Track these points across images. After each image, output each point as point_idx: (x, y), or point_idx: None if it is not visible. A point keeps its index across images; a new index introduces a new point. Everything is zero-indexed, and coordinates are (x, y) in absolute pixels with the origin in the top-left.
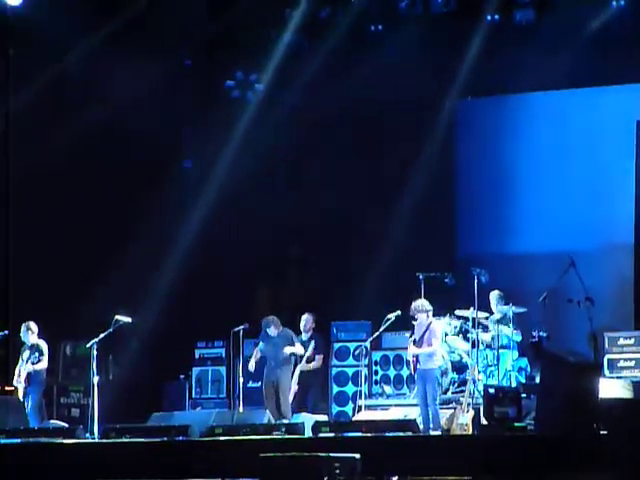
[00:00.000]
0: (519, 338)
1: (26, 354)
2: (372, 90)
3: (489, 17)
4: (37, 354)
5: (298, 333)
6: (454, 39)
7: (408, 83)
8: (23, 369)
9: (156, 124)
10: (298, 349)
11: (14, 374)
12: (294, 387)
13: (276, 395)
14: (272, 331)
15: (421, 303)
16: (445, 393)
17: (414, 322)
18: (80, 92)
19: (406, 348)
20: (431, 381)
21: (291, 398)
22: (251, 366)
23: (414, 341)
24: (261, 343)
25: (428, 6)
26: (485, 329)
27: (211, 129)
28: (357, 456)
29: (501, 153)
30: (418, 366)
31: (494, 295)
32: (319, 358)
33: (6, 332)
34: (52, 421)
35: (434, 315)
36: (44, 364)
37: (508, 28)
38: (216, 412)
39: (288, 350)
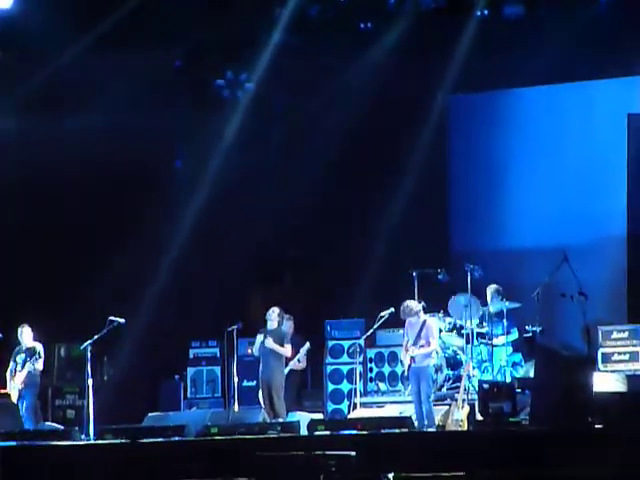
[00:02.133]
0: (514, 337)
1: (21, 357)
2: (363, 88)
3: (479, 12)
4: (35, 356)
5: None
6: (444, 35)
7: (399, 80)
8: (18, 371)
9: (147, 124)
10: (283, 350)
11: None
12: None
13: (269, 394)
14: (270, 324)
15: (408, 307)
16: (440, 389)
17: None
18: (71, 93)
19: (400, 345)
20: (425, 379)
21: None
22: (254, 350)
23: (411, 342)
24: (259, 335)
25: (417, 2)
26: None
27: (202, 129)
28: (352, 453)
29: (493, 149)
30: (412, 364)
31: (491, 289)
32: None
33: (0, 335)
34: (47, 423)
35: (428, 312)
36: (40, 366)
37: (498, 23)
38: (211, 412)
39: (269, 344)
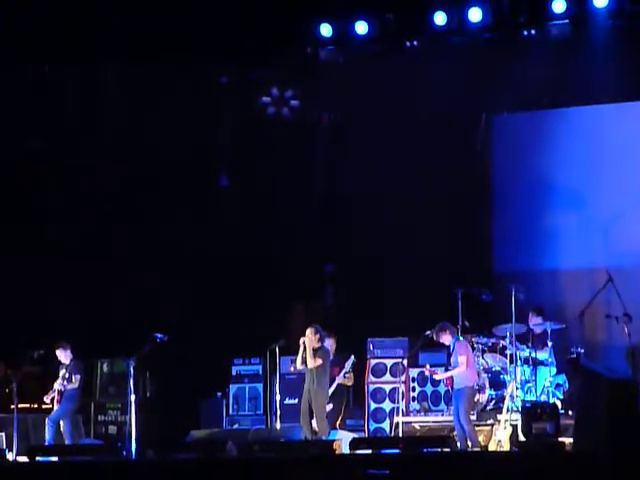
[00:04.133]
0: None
1: (62, 373)
2: (408, 105)
3: (525, 32)
4: (71, 372)
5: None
6: (490, 54)
7: (444, 98)
8: (57, 387)
9: (193, 141)
10: (311, 359)
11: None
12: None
13: (310, 411)
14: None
15: (437, 328)
16: (483, 410)
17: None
18: (116, 109)
19: (443, 365)
20: (462, 400)
21: None
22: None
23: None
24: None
25: (463, 21)
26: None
27: (247, 145)
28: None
29: (537, 168)
30: (454, 385)
31: (535, 310)
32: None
33: (41, 351)
34: (87, 439)
35: (470, 332)
36: (76, 383)
37: (544, 42)
38: (253, 429)
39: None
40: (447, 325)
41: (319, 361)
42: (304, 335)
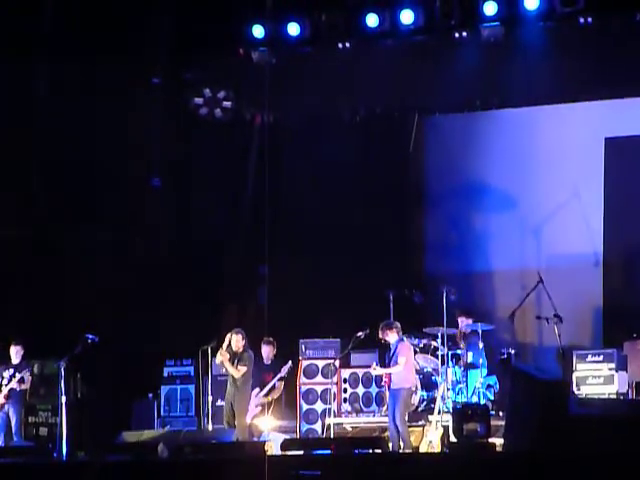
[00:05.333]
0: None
1: (8, 372)
2: (341, 106)
3: (457, 34)
4: (22, 372)
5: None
6: (422, 55)
7: (377, 99)
8: (4, 385)
9: (125, 141)
10: (232, 369)
11: None
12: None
13: (233, 413)
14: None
15: (385, 325)
16: (414, 411)
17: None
18: (47, 109)
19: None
20: (399, 401)
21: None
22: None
23: (387, 364)
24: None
25: (395, 22)
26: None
27: (179, 146)
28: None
29: (469, 169)
30: (391, 385)
31: (465, 311)
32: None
33: None
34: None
35: (402, 334)
36: (28, 383)
37: (475, 44)
38: (185, 431)
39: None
40: (393, 324)
41: (243, 369)
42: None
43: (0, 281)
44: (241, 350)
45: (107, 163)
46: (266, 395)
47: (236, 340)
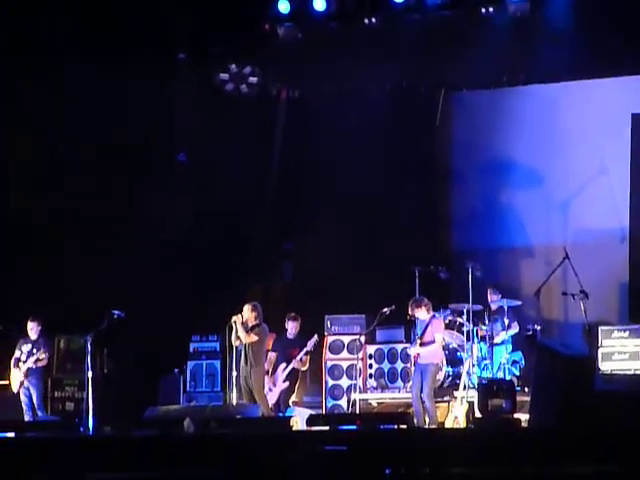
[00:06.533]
0: (515, 330)
1: (26, 347)
2: (367, 82)
3: (483, 9)
4: (39, 349)
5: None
6: (448, 31)
7: (403, 75)
8: (22, 362)
9: (152, 118)
10: (244, 335)
11: (9, 367)
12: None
13: (249, 389)
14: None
15: (415, 301)
16: (440, 386)
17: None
18: (75, 84)
19: (400, 342)
20: (427, 376)
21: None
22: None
23: (418, 339)
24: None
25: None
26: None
27: (205, 122)
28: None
29: (496, 146)
30: (418, 360)
31: (492, 287)
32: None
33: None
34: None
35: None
36: (46, 360)
37: (502, 20)
38: (211, 406)
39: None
40: (423, 300)
41: (254, 337)
42: (239, 313)
43: (28, 254)
44: (254, 322)
45: (133, 139)
46: (300, 362)
47: (246, 309)
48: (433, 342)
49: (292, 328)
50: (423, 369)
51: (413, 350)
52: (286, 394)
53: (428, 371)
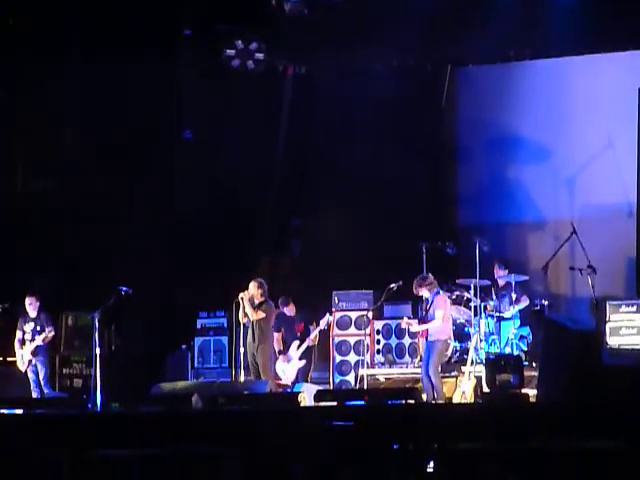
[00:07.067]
0: (526, 303)
1: (29, 326)
2: (373, 57)
3: None
4: (44, 326)
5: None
6: (454, 6)
7: (409, 50)
8: (28, 340)
9: (157, 95)
10: (252, 312)
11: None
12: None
13: (256, 365)
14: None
15: (418, 279)
16: (448, 362)
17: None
18: (79, 64)
19: (408, 317)
20: (434, 352)
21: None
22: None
23: (422, 317)
24: None
25: None
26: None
27: (211, 99)
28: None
29: (502, 121)
30: (428, 337)
31: (499, 262)
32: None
33: (5, 304)
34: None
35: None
36: (50, 335)
37: None
38: (219, 382)
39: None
40: (427, 279)
41: (261, 314)
42: (246, 290)
43: (34, 234)
44: (260, 299)
45: (138, 116)
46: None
47: (252, 286)
48: (433, 319)
49: (289, 311)
50: (430, 346)
51: (413, 328)
52: (305, 371)
53: (434, 348)
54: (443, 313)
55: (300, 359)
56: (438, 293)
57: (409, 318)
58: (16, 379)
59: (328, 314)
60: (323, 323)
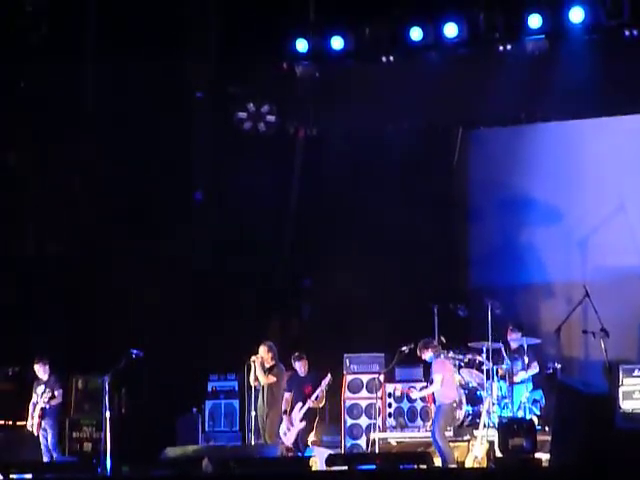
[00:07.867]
0: (535, 370)
1: (40, 389)
2: (385, 119)
3: (501, 47)
4: (53, 389)
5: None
6: (466, 69)
7: (421, 112)
8: (38, 404)
9: (169, 156)
10: (263, 377)
11: (27, 410)
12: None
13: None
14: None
15: (421, 344)
16: (460, 425)
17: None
18: (92, 123)
19: (419, 380)
20: (438, 416)
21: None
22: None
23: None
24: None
25: (439, 36)
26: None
27: (223, 161)
28: None
29: (514, 183)
30: (435, 401)
31: (511, 325)
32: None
33: (16, 368)
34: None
35: (447, 348)
36: (59, 398)
37: (520, 57)
38: (229, 446)
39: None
40: (430, 342)
41: (272, 378)
42: (256, 353)
43: (46, 296)
44: (271, 363)
45: (150, 177)
46: (315, 400)
47: (262, 350)
48: (431, 384)
49: (300, 367)
50: (436, 410)
51: (413, 395)
52: (304, 433)
53: (439, 411)
54: (442, 377)
55: (301, 420)
56: (438, 357)
57: (420, 381)
58: (26, 443)
59: (329, 375)
60: (324, 384)
